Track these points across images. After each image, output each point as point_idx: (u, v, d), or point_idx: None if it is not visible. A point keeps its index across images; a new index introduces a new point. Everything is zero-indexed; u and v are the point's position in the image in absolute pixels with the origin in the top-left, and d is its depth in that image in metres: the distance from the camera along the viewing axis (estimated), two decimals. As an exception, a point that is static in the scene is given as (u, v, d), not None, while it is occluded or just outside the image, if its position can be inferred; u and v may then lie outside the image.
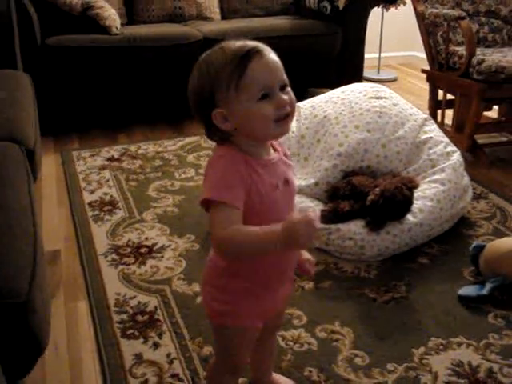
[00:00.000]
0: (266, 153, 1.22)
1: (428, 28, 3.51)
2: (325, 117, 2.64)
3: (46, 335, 1.28)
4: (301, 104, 2.81)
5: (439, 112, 3.60)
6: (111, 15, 3.76)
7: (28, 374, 1.26)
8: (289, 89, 1.18)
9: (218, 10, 4.44)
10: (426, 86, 3.74)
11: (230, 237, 1.12)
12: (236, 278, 1.27)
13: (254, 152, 1.20)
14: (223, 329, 1.35)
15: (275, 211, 1.20)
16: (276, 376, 1.66)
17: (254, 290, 1.29)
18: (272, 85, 1.14)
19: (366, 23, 4.33)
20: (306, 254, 1.39)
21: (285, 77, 1.17)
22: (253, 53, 1.13)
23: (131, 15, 4.23)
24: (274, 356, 1.63)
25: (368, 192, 2.30)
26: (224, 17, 4.48)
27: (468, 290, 2.09)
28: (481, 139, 3.47)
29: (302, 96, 3.15)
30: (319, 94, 2.94)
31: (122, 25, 3.93)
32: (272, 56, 1.16)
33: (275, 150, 1.26)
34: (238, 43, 1.16)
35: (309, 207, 2.37)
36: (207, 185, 1.17)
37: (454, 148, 2.63)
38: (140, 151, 3.41)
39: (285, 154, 1.30)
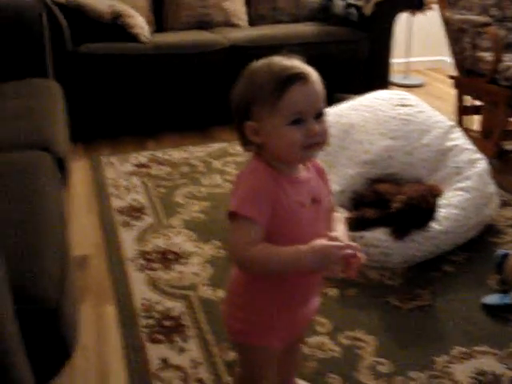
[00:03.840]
0: (295, 170, 1.24)
1: (455, 34, 3.50)
2: (350, 124, 2.65)
3: (74, 341, 1.32)
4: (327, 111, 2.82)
5: (466, 118, 3.59)
6: (140, 23, 3.81)
7: (56, 378, 1.30)
8: (324, 118, 1.19)
9: (245, 17, 4.47)
10: (454, 92, 3.73)
11: (255, 257, 1.15)
12: (257, 294, 1.28)
13: (282, 168, 1.21)
14: (245, 348, 1.37)
15: (300, 229, 1.21)
16: (299, 381, 1.67)
17: (275, 308, 1.29)
18: (306, 112, 1.15)
19: (392, 29, 4.32)
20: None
21: (323, 106, 1.19)
22: (297, 78, 1.14)
23: (160, 22, 4.28)
24: (298, 363, 1.65)
25: (393, 200, 2.31)
26: (251, 23, 4.50)
27: (492, 299, 2.08)
28: (508, 145, 3.45)
29: (328, 102, 3.17)
30: (346, 99, 2.95)
31: (151, 32, 3.98)
32: (315, 84, 1.17)
33: (306, 168, 1.27)
34: (286, 62, 1.17)
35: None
36: (236, 197, 1.18)
37: (480, 155, 2.62)
38: (167, 157, 3.46)
39: (318, 171, 1.31)
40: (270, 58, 1.20)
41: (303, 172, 1.25)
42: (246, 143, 1.23)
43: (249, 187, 1.18)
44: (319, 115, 1.18)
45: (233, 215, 1.17)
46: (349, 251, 1.13)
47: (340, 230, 1.28)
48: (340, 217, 1.35)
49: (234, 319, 1.35)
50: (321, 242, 1.14)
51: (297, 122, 1.15)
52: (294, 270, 1.17)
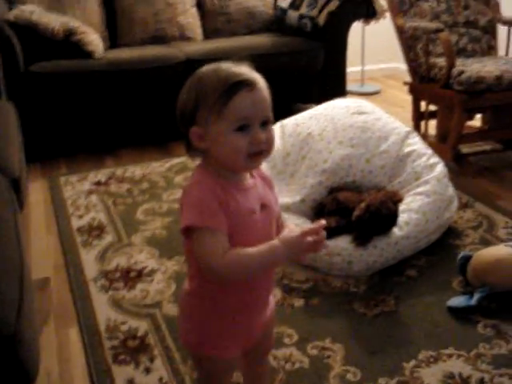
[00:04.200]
0: (241, 178, 1.23)
1: (408, 41, 3.55)
2: (309, 134, 2.66)
3: (35, 366, 1.29)
4: (285, 121, 2.84)
5: (423, 123, 3.64)
6: (94, 40, 3.77)
7: (18, 406, 1.26)
8: (270, 126, 1.18)
9: (200, 31, 4.47)
10: (409, 98, 3.78)
11: (234, 263, 1.14)
12: (209, 307, 1.27)
13: (228, 176, 1.20)
14: (201, 358, 1.36)
15: (254, 235, 1.20)
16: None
17: (228, 319, 1.28)
18: (252, 118, 1.14)
19: (346, 38, 4.37)
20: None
21: (269, 114, 1.18)
22: (244, 84, 1.14)
23: (114, 39, 4.25)
24: (267, 379, 1.62)
25: (354, 207, 2.32)
26: (206, 36, 4.50)
27: (457, 301, 2.10)
28: (465, 148, 3.51)
29: (285, 113, 3.18)
30: (304, 109, 2.96)
31: (106, 49, 3.95)
32: (262, 91, 1.16)
33: (251, 175, 1.26)
34: (234, 69, 1.17)
35: (296, 224, 2.38)
36: (187, 212, 1.17)
37: (438, 159, 2.65)
38: (127, 174, 3.42)
39: (264, 178, 1.30)
40: (218, 64, 1.19)
41: (250, 180, 1.25)
42: (191, 149, 1.22)
43: (199, 199, 1.16)
44: (265, 123, 1.17)
45: (191, 229, 1.15)
46: (315, 237, 1.15)
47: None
48: (286, 224, 1.36)
49: (187, 331, 1.33)
50: (289, 233, 1.16)
51: (242, 128, 1.14)
52: (271, 264, 1.22)
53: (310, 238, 1.14)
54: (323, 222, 1.17)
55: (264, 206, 1.24)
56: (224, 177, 1.19)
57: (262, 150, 1.17)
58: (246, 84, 1.14)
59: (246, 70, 1.17)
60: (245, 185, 1.22)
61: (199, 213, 1.15)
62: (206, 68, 1.20)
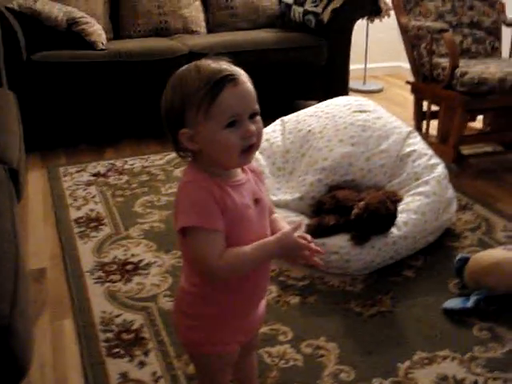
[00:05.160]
0: (233, 174, 1.22)
1: (411, 40, 3.54)
2: (309, 131, 2.65)
3: (28, 358, 1.28)
4: (286, 118, 2.83)
5: (424, 123, 3.63)
6: (97, 30, 3.77)
7: (10, 398, 1.26)
8: (258, 118, 1.18)
9: (203, 24, 4.46)
10: (412, 97, 3.77)
11: (231, 263, 1.15)
12: (209, 304, 1.27)
13: (221, 173, 1.20)
14: (202, 357, 1.36)
15: (251, 231, 1.21)
16: (261, 393, 1.65)
17: (227, 316, 1.29)
18: (241, 113, 1.14)
19: (350, 36, 4.35)
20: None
21: (256, 106, 1.17)
22: (227, 80, 1.13)
23: (117, 30, 4.24)
24: (256, 373, 1.62)
25: (352, 206, 2.31)
26: (210, 30, 4.49)
27: (453, 303, 2.10)
28: (466, 150, 3.50)
29: (288, 109, 3.18)
30: (306, 106, 2.95)
31: (108, 40, 3.94)
32: (246, 84, 1.16)
33: (243, 170, 1.26)
34: (214, 65, 1.15)
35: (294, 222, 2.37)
36: (182, 212, 1.16)
37: (438, 160, 2.65)
38: (126, 166, 3.41)
39: (254, 172, 1.30)
40: (197, 62, 1.18)
41: (242, 175, 1.24)
42: (180, 150, 1.21)
43: (194, 199, 1.15)
44: (253, 115, 1.16)
45: (186, 230, 1.15)
46: (313, 245, 1.18)
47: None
48: (280, 217, 1.38)
49: (189, 329, 1.32)
50: (287, 232, 1.18)
51: (232, 124, 1.13)
52: (263, 262, 1.23)
53: (306, 245, 1.17)
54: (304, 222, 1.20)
55: (257, 201, 1.24)
56: (217, 174, 1.19)
57: (252, 144, 1.16)
58: (229, 80, 1.13)
59: (226, 66, 1.16)
60: (238, 181, 1.22)
61: (195, 213, 1.14)
62: (186, 68, 1.19)
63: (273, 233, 1.27)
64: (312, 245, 1.19)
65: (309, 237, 1.20)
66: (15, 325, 1.20)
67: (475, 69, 3.18)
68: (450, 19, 3.64)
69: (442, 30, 3.26)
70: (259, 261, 1.20)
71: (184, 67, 1.20)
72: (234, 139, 1.14)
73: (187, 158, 1.24)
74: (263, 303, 1.41)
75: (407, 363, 1.83)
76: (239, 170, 1.24)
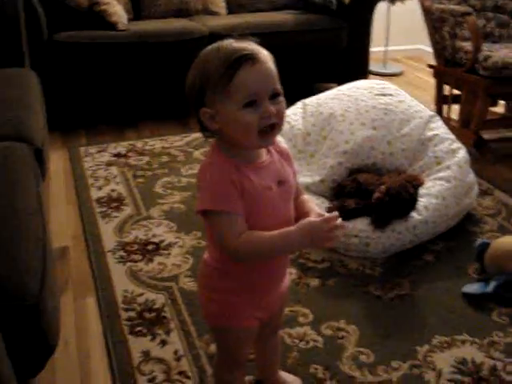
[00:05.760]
0: (256, 156, 1.23)
1: (434, 23, 3.51)
2: (331, 114, 2.65)
3: (55, 335, 1.31)
4: (307, 101, 2.82)
5: (445, 107, 3.60)
6: (117, 11, 3.77)
7: (39, 374, 1.29)
8: (281, 98, 1.17)
9: (224, 5, 4.44)
10: (432, 80, 3.74)
11: (246, 245, 1.17)
12: (228, 278, 1.30)
13: (243, 154, 1.20)
14: (220, 329, 1.38)
15: (272, 212, 1.22)
16: (282, 373, 1.67)
17: (246, 290, 1.31)
18: (259, 93, 1.13)
19: (371, 18, 4.33)
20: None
21: (277, 86, 1.16)
22: (245, 59, 1.12)
23: (138, 10, 4.24)
24: (278, 354, 1.65)
25: (373, 190, 2.31)
26: (230, 11, 4.48)
27: (472, 288, 2.10)
28: (487, 135, 3.47)
29: (308, 91, 3.17)
30: (326, 89, 2.94)
31: (129, 20, 3.94)
32: (266, 64, 1.15)
33: (268, 151, 1.26)
34: (236, 45, 1.15)
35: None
36: (203, 195, 1.18)
37: (460, 145, 2.63)
38: (147, 147, 3.43)
39: (282, 153, 1.30)
40: (220, 42, 1.18)
41: (266, 156, 1.24)
42: (204, 130, 1.22)
43: (212, 182, 1.17)
44: (275, 95, 1.16)
45: (206, 212, 1.18)
46: (335, 222, 1.16)
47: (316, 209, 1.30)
48: (309, 197, 1.37)
49: (209, 301, 1.35)
50: (308, 220, 1.18)
51: (251, 104, 1.13)
52: (284, 251, 1.25)
53: (329, 224, 1.16)
54: (336, 213, 1.18)
55: (281, 182, 1.25)
56: (238, 156, 1.20)
57: (273, 124, 1.16)
58: (248, 58, 1.13)
59: (246, 45, 1.16)
60: (261, 163, 1.23)
61: (212, 196, 1.16)
62: (210, 47, 1.19)
63: (298, 214, 1.28)
64: (338, 221, 1.17)
65: (335, 214, 1.18)
66: (44, 303, 1.23)
67: (499, 53, 3.15)
68: (473, 2, 3.60)
69: (465, 14, 3.23)
70: (279, 249, 1.21)
71: (208, 47, 1.20)
72: (251, 119, 1.13)
73: (211, 138, 1.25)
74: (285, 284, 1.43)
75: (426, 347, 1.84)
76: (263, 151, 1.25)
